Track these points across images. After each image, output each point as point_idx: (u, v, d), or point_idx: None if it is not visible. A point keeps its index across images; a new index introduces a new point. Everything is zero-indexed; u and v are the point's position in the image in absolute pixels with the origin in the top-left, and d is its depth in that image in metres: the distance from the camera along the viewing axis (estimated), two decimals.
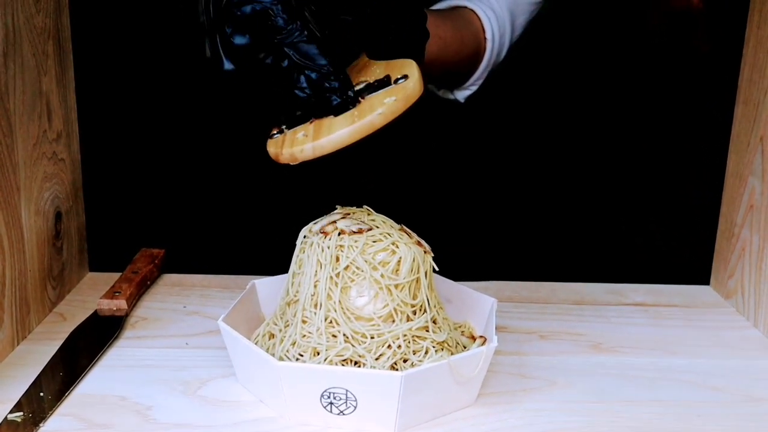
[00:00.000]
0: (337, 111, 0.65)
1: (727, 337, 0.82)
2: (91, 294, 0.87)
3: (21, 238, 0.76)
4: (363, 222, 0.68)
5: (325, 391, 0.62)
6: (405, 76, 0.66)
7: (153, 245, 0.94)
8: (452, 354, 0.66)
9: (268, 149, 0.69)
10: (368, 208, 0.71)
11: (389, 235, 0.67)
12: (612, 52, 1.07)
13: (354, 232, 0.67)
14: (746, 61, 0.87)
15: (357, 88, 0.67)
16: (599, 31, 1.07)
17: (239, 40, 0.63)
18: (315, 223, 0.70)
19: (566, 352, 0.78)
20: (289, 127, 0.68)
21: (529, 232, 1.09)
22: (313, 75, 0.64)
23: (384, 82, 0.66)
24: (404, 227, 0.70)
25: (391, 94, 0.65)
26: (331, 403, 0.62)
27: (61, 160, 0.85)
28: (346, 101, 0.65)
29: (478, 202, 1.07)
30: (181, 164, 1.04)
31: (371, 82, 0.67)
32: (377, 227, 0.68)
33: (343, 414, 0.63)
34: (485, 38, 0.91)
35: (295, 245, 0.70)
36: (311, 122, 0.66)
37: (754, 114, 0.85)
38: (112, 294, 0.82)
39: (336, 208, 0.72)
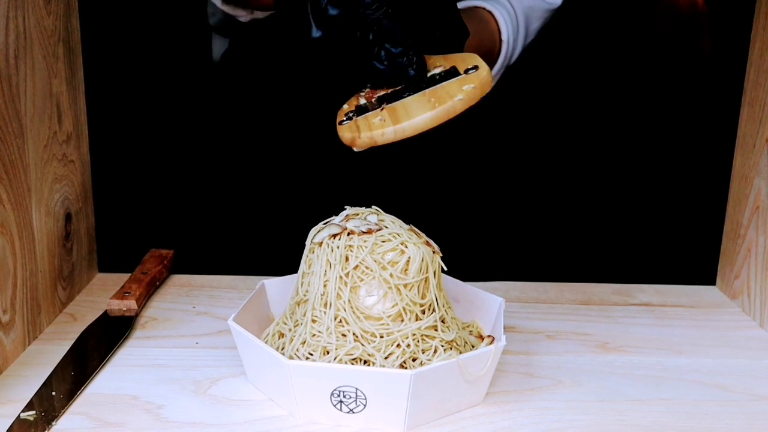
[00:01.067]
0: (410, 84, 0.69)
1: (733, 337, 0.82)
2: (101, 294, 0.87)
3: (32, 239, 0.76)
4: (372, 222, 0.69)
5: (335, 389, 0.62)
6: (475, 67, 0.70)
7: (162, 246, 0.95)
8: (461, 353, 0.67)
9: (341, 134, 0.71)
10: (377, 208, 0.72)
11: (398, 235, 0.68)
12: (619, 55, 1.07)
13: (363, 232, 0.67)
14: (752, 63, 0.88)
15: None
16: (606, 35, 1.07)
17: (332, 11, 0.67)
18: (324, 224, 0.71)
19: (573, 351, 0.78)
20: (357, 114, 0.71)
21: (537, 233, 1.10)
22: (394, 50, 0.68)
23: (451, 73, 0.70)
24: (413, 227, 0.71)
25: (468, 82, 0.69)
26: (340, 402, 0.63)
27: (71, 162, 0.86)
28: (421, 75, 0.70)
29: (487, 203, 1.07)
30: (189, 165, 1.05)
31: (438, 72, 0.71)
32: (386, 227, 0.69)
33: (353, 412, 0.63)
34: (501, 40, 0.92)
35: (303, 246, 0.71)
36: (382, 108, 0.70)
37: (760, 115, 0.85)
38: (122, 294, 0.83)
39: (345, 209, 0.72)
